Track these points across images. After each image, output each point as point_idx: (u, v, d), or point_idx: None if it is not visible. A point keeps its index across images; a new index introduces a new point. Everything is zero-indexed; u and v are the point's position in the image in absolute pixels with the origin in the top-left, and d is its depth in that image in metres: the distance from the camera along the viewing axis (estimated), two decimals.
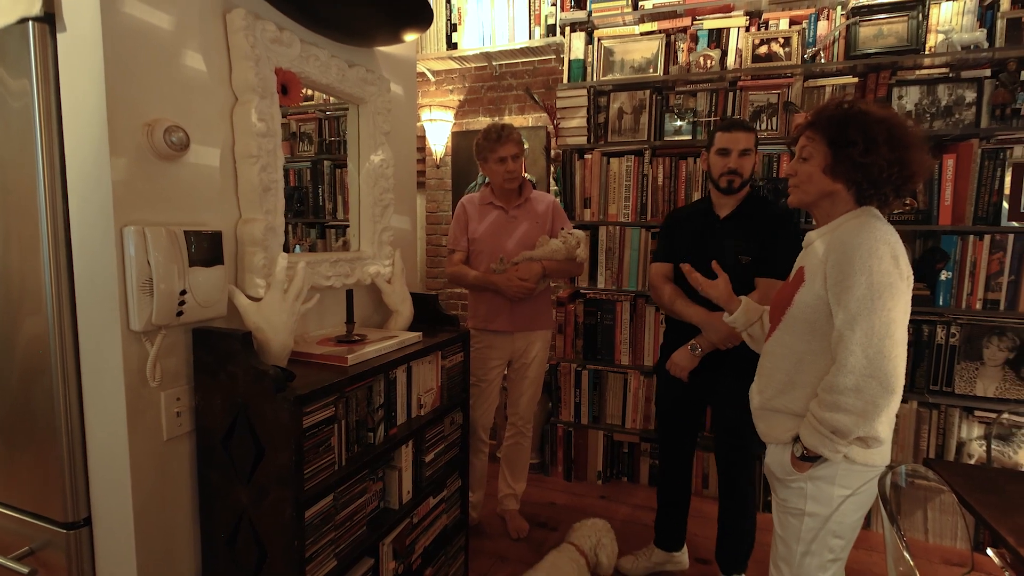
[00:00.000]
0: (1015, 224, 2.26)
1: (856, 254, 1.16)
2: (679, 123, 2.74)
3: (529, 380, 2.43)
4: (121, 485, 1.18)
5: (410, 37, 1.76)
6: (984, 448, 2.33)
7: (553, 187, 3.60)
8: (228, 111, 1.34)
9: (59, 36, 1.10)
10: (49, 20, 1.09)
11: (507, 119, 3.76)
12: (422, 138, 3.87)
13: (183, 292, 1.18)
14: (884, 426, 1.19)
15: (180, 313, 1.19)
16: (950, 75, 2.37)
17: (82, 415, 1.19)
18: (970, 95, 2.34)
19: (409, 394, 1.64)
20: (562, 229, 2.33)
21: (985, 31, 2.27)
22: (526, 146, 3.63)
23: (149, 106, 1.15)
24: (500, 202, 2.36)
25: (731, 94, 2.66)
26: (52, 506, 1.22)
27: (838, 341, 1.17)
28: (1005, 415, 2.25)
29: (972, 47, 2.27)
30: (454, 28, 3.49)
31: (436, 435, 1.79)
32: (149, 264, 1.12)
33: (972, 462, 2.36)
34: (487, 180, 2.42)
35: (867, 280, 1.14)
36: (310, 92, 1.89)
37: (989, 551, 1.66)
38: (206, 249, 1.24)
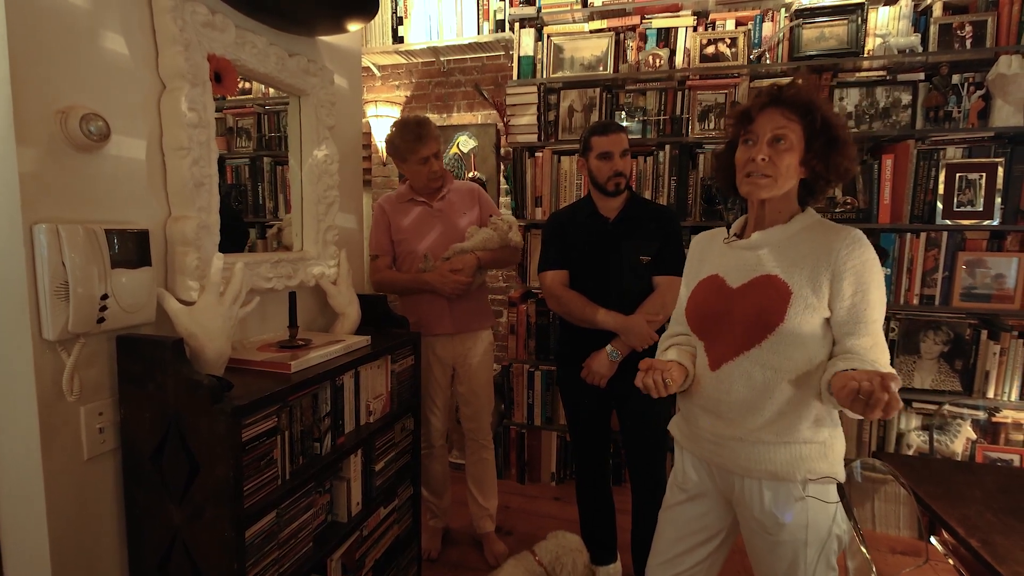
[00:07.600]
0: (948, 222, 2.36)
1: (872, 268, 1.10)
2: (629, 122, 2.74)
3: (481, 396, 2.31)
4: (35, 511, 1.06)
5: (354, 27, 1.68)
6: (921, 438, 2.42)
7: (504, 185, 3.56)
8: (155, 100, 1.23)
9: None
10: None
11: (456, 116, 3.70)
12: (368, 135, 3.76)
13: (104, 296, 1.08)
14: None
15: (101, 320, 1.08)
16: (887, 78, 2.45)
17: None
18: (906, 97, 2.43)
19: (357, 401, 1.56)
20: (491, 216, 2.23)
21: (919, 36, 2.35)
22: (475, 144, 3.61)
23: (63, 91, 1.04)
24: (422, 197, 2.21)
25: (680, 93, 2.67)
26: None
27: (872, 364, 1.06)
28: (946, 406, 2.34)
29: (907, 51, 2.35)
30: (400, 21, 3.40)
31: (386, 443, 1.71)
32: (64, 266, 1.01)
33: (911, 452, 2.45)
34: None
35: (880, 297, 1.10)
36: (248, 85, 1.78)
37: (932, 539, 1.71)
38: (131, 249, 1.14)
